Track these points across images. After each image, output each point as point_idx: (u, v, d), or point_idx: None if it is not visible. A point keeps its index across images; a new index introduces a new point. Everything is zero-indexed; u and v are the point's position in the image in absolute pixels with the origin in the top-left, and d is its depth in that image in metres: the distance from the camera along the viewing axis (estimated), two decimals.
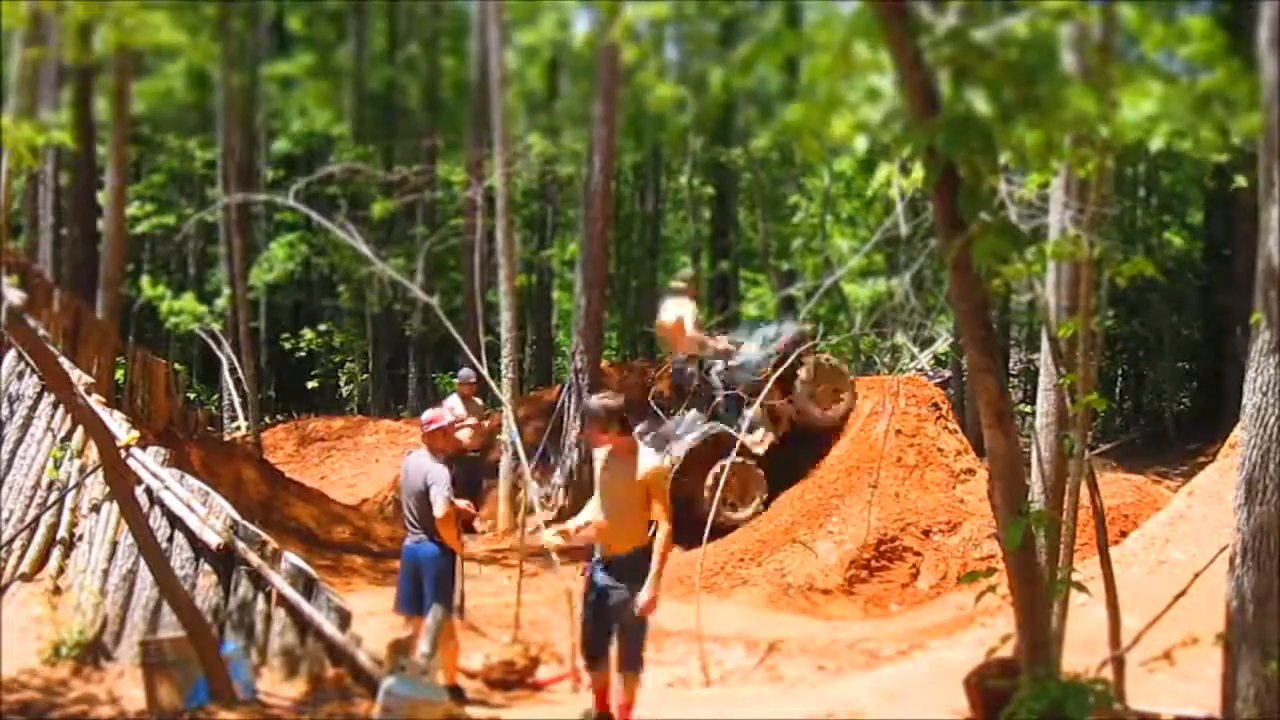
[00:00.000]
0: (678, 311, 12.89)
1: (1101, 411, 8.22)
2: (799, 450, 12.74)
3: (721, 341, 13.14)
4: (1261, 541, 4.49)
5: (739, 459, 11.38)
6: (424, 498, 7.48)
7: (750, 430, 12.12)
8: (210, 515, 7.44)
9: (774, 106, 23.24)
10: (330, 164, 18.84)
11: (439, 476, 7.48)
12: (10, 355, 9.50)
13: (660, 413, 13.10)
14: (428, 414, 8.01)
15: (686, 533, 9.84)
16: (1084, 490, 5.88)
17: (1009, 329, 21.69)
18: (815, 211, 24.02)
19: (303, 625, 7.02)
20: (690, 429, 12.43)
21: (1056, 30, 3.59)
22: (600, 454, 6.66)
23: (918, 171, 4.39)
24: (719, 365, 12.83)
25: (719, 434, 12.05)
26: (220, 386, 21.02)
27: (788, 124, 3.68)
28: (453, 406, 13.13)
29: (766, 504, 12.29)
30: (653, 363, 17.84)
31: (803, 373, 12.59)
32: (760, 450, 12.45)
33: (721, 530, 11.46)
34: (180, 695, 6.56)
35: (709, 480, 11.56)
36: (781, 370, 11.26)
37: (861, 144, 3.66)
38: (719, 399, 12.47)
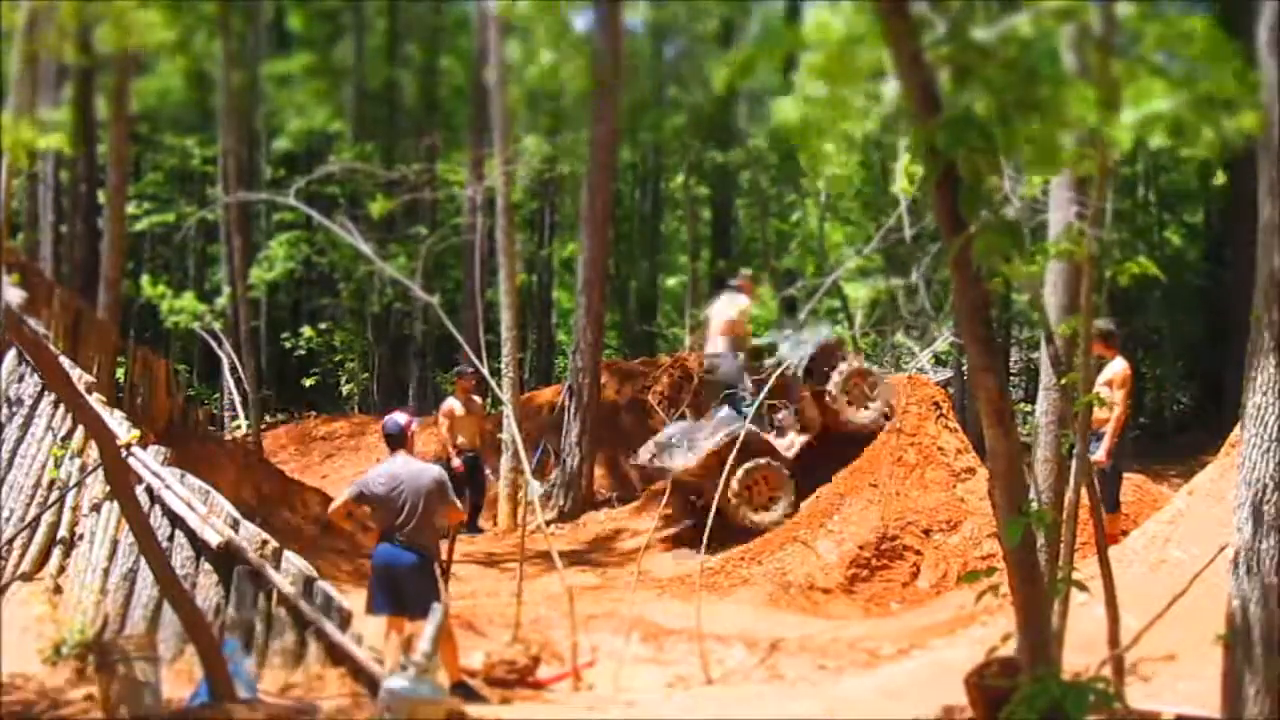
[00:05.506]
0: (737, 306, 12.69)
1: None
2: (829, 453, 12.43)
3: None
4: (1261, 541, 4.49)
5: (765, 460, 11.39)
6: (429, 499, 7.46)
7: (780, 433, 12.07)
8: (211, 514, 7.45)
9: (772, 106, 23.20)
10: (330, 163, 18.80)
11: (444, 476, 7.61)
12: (11, 355, 9.49)
13: (660, 413, 13.07)
14: (402, 418, 7.87)
15: (713, 535, 9.86)
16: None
17: (1009, 328, 21.67)
18: (814, 211, 24.00)
19: (303, 624, 7.02)
20: (717, 429, 12.13)
21: (1057, 30, 3.59)
22: None
23: (906, 170, 4.39)
24: (726, 363, 12.62)
25: (745, 435, 11.48)
26: (220, 385, 20.99)
27: (788, 127, 3.67)
28: (453, 408, 13.32)
29: (795, 507, 12.02)
30: (653, 362, 17.83)
31: (836, 376, 12.47)
32: (790, 454, 12.28)
33: (747, 534, 11.46)
34: (133, 694, 6.42)
35: (733, 484, 11.42)
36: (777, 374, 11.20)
37: (832, 150, 3.66)
38: (743, 395, 12.24)
